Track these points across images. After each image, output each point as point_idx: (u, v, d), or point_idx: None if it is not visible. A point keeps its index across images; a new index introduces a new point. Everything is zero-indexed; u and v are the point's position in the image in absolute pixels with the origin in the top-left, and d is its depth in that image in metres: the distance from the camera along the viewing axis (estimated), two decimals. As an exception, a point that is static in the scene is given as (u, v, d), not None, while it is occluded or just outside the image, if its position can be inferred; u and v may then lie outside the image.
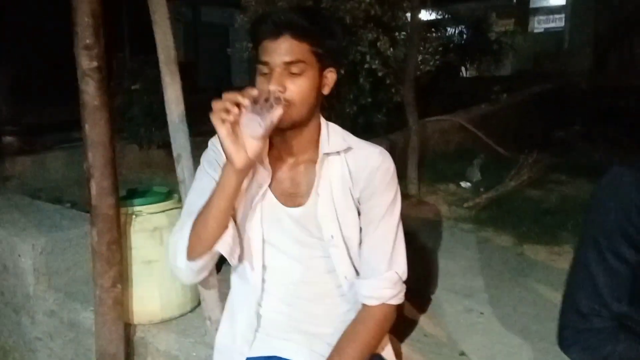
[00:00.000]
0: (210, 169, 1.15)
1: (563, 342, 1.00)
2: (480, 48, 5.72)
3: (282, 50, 1.03)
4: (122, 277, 1.51)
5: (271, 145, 1.13)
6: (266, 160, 1.12)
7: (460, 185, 3.42)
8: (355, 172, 1.13)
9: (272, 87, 1.03)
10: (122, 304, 1.52)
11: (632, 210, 0.91)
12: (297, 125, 1.09)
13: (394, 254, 1.14)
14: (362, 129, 3.90)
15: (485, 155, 3.90)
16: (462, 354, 1.53)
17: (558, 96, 6.20)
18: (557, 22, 9.94)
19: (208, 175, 1.15)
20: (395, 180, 1.16)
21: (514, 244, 2.40)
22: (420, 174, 3.32)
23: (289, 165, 1.16)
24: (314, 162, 1.13)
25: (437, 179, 3.47)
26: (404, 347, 1.52)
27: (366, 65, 3.71)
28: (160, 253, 1.59)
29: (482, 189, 3.25)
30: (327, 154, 1.12)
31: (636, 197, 0.90)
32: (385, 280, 1.13)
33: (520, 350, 1.54)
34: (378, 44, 3.63)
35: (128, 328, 1.61)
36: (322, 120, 1.16)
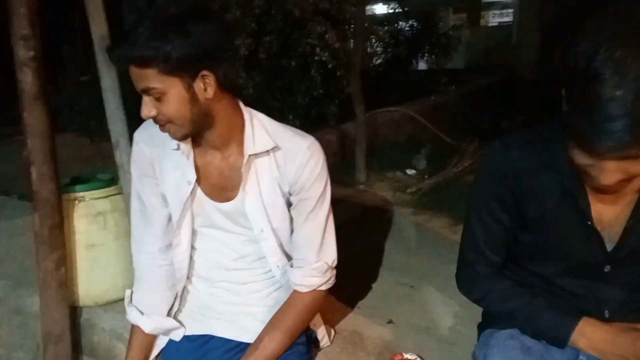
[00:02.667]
0: (137, 173, 1.20)
1: (459, 287, 1.20)
2: (430, 41, 5.91)
3: (135, 79, 1.02)
4: (66, 261, 1.56)
5: (197, 141, 1.14)
6: (191, 157, 1.14)
7: (406, 172, 3.58)
8: (283, 167, 1.14)
9: (142, 115, 1.05)
10: (66, 286, 1.57)
11: (501, 178, 1.07)
12: (197, 133, 1.10)
13: (324, 244, 1.21)
14: (315, 119, 4.01)
15: (433, 144, 4.09)
16: (390, 321, 1.67)
17: (505, 88, 6.47)
18: (510, 16, 10.31)
19: (138, 182, 1.21)
20: (325, 173, 1.18)
21: (449, 225, 2.57)
22: (370, 162, 3.46)
23: (217, 159, 1.16)
24: (242, 156, 1.14)
25: (385, 167, 3.62)
26: (338, 318, 1.64)
27: (316, 58, 3.80)
28: (104, 237, 1.65)
29: (426, 176, 3.42)
30: (252, 155, 1.13)
31: (507, 168, 1.06)
32: (314, 270, 1.20)
33: (444, 316, 1.68)
34: (326, 36, 3.73)
35: (74, 310, 1.66)
36: (247, 116, 1.14)
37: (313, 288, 1.22)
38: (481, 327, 1.25)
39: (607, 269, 1.05)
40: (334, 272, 1.25)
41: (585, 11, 0.88)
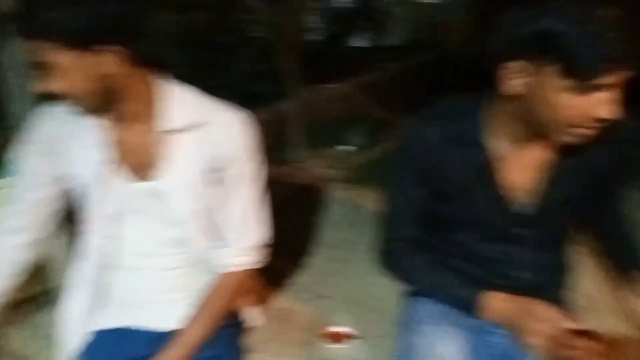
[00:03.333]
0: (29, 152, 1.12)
1: (380, 262, 1.21)
2: (367, 17, 5.92)
3: (33, 53, 0.95)
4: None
5: (113, 118, 1.06)
6: (106, 136, 1.07)
7: (343, 149, 3.60)
8: (213, 142, 1.09)
9: (39, 89, 0.98)
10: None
11: (416, 155, 1.08)
12: (109, 109, 1.03)
13: (254, 223, 1.17)
14: (250, 98, 3.92)
15: (370, 120, 4.13)
16: (321, 296, 1.68)
17: (442, 64, 6.60)
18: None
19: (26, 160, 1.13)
20: (256, 150, 1.14)
21: (380, 199, 2.60)
22: (307, 140, 3.45)
23: (134, 136, 1.09)
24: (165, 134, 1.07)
25: (322, 144, 3.62)
26: (270, 297, 1.63)
27: (249, 34, 3.71)
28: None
29: (363, 151, 3.46)
30: (170, 131, 1.06)
31: (424, 143, 1.06)
32: (244, 249, 1.17)
33: (376, 288, 1.70)
34: (259, 12, 3.64)
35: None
36: (166, 92, 1.07)
37: (242, 268, 1.19)
38: (407, 293, 1.28)
39: (519, 231, 1.09)
40: (263, 251, 1.23)
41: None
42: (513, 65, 0.90)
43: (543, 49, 0.85)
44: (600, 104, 0.86)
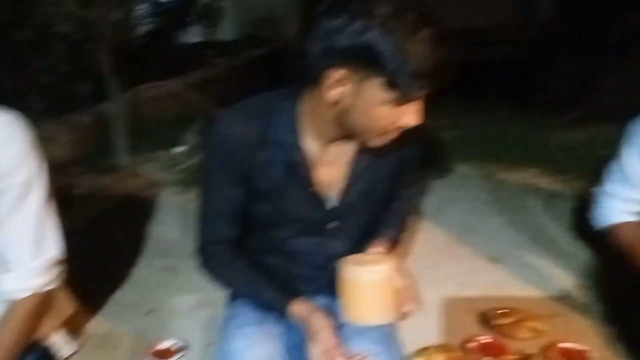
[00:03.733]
0: None
1: (198, 265, 1.18)
2: (194, 11, 5.75)
3: None
4: None
5: None
6: None
7: (176, 150, 3.46)
8: None
9: None
10: None
11: (227, 155, 1.06)
12: None
13: (42, 238, 1.08)
14: (65, 101, 3.55)
15: (205, 118, 4.02)
16: (151, 311, 1.59)
17: (275, 59, 6.70)
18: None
19: None
20: (32, 153, 1.04)
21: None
22: (134, 144, 3.24)
23: None
24: None
25: (152, 147, 3.44)
26: (88, 319, 1.49)
27: (56, 29, 3.34)
28: None
29: (198, 152, 3.36)
30: None
31: (232, 143, 1.05)
32: (34, 269, 1.06)
33: (208, 296, 1.66)
34: (66, 4, 3.30)
35: None
36: None
37: (34, 291, 1.07)
38: (229, 297, 1.28)
39: (331, 225, 1.15)
40: (60, 268, 1.13)
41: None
42: (335, 74, 0.90)
43: (367, 63, 0.87)
44: (410, 114, 0.92)
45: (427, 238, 1.23)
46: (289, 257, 1.20)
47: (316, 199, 1.11)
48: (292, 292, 1.11)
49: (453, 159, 2.82)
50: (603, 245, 1.61)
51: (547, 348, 1.33)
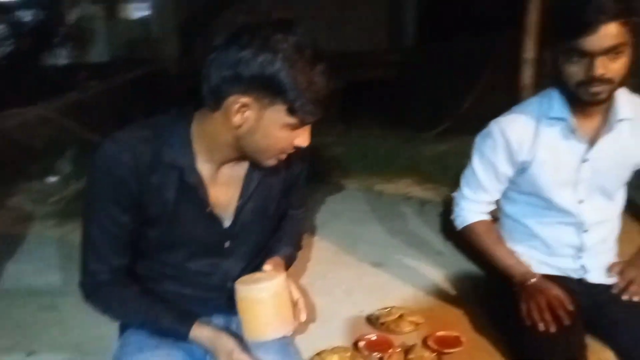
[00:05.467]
0: None
1: (84, 298, 1.15)
2: (60, 33, 5.41)
3: None
4: None
5: None
6: None
7: (47, 181, 3.22)
8: None
9: None
10: None
11: (116, 181, 1.06)
12: None
13: None
14: None
15: (79, 145, 3.77)
16: (32, 352, 1.49)
17: (150, 81, 6.51)
18: (145, 10, 10.29)
19: None
20: None
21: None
22: (0, 174, 2.96)
23: None
24: None
25: (19, 178, 3.16)
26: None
27: None
28: None
29: (72, 181, 3.15)
30: None
31: (122, 169, 1.05)
32: None
33: (88, 331, 1.58)
34: None
35: None
36: None
37: None
38: (120, 326, 1.25)
39: (227, 244, 1.19)
40: None
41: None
42: (240, 100, 0.98)
43: (271, 91, 0.96)
44: (302, 136, 1.05)
45: (317, 248, 1.32)
46: (183, 280, 1.21)
47: (213, 219, 1.15)
48: (190, 315, 1.13)
49: (337, 174, 3.00)
50: (466, 244, 1.84)
51: (426, 338, 1.49)
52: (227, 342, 1.07)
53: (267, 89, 0.96)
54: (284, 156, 1.08)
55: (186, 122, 1.09)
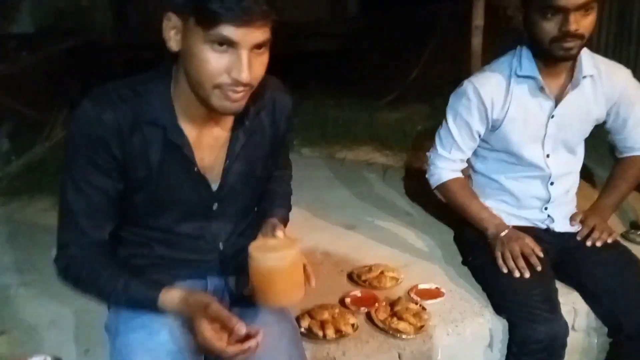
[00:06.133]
0: None
1: (57, 274, 1.08)
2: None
3: None
4: None
5: None
6: None
7: (-15, 157, 2.99)
8: None
9: None
10: None
11: (97, 142, 0.99)
12: None
13: None
14: None
15: (12, 120, 3.52)
16: (2, 332, 1.41)
17: (85, 52, 6.13)
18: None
19: None
20: None
21: (52, 206, 2.31)
22: None
23: None
24: None
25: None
26: None
27: None
28: None
29: (13, 158, 2.95)
30: None
31: (102, 129, 0.99)
32: None
33: (62, 307, 1.51)
34: None
35: None
36: None
37: None
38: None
39: (215, 207, 1.16)
40: None
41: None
42: (168, 20, 0.93)
43: (183, 4, 0.90)
44: (235, 67, 0.92)
45: (291, 214, 1.32)
46: (173, 244, 1.17)
47: (200, 180, 1.11)
48: (160, 283, 1.05)
49: (296, 143, 2.99)
50: (437, 202, 1.91)
51: (409, 291, 1.55)
52: (202, 297, 0.99)
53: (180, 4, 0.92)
54: (233, 95, 0.96)
55: (166, 79, 1.04)
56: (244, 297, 1.12)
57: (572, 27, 1.32)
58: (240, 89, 0.96)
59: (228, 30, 0.89)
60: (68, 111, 3.44)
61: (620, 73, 1.55)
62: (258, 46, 0.94)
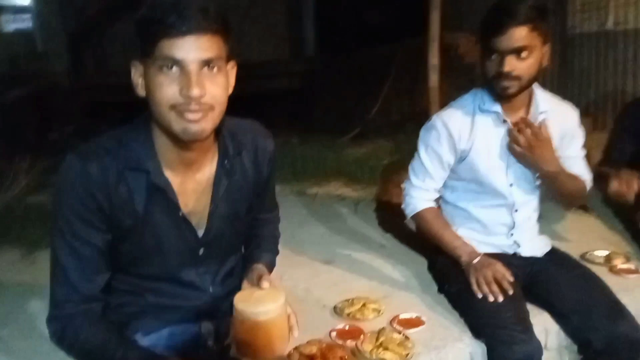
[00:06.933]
0: None
1: (50, 336, 1.07)
2: None
3: None
4: None
5: None
6: None
7: (-56, 209, 2.89)
8: None
9: None
10: None
11: (84, 195, 1.02)
12: None
13: None
14: None
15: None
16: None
17: (42, 98, 6.05)
18: (26, 22, 9.50)
19: None
20: None
21: (22, 257, 2.27)
22: None
23: None
24: None
25: None
26: None
27: None
28: None
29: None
30: None
31: (89, 184, 1.02)
32: None
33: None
34: None
35: None
36: None
37: None
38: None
39: (201, 251, 1.18)
40: None
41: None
42: (133, 67, 1.00)
43: (139, 41, 0.96)
44: (185, 85, 0.94)
45: None
46: (162, 292, 1.18)
47: (185, 225, 1.13)
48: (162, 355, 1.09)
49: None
50: (413, 232, 1.99)
51: (391, 321, 1.60)
52: None
53: (138, 40, 0.97)
54: (190, 115, 0.97)
55: (146, 127, 1.08)
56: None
57: (506, 68, 1.49)
58: (194, 107, 0.96)
59: (169, 46, 0.93)
60: (30, 159, 3.38)
61: (571, 111, 1.71)
62: (206, 63, 0.96)
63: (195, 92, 0.94)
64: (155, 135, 1.07)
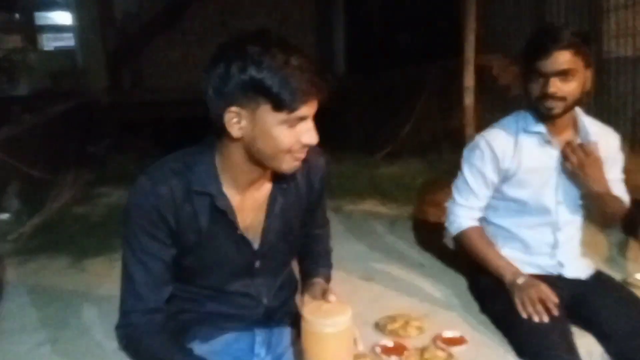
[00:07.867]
0: None
1: (118, 342, 1.14)
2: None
3: None
4: None
5: None
6: None
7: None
8: None
9: None
10: None
11: (153, 213, 1.10)
12: None
13: None
14: None
15: (21, 181, 3.58)
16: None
17: (82, 113, 6.28)
18: (68, 40, 9.92)
19: None
20: None
21: (73, 262, 2.36)
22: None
23: None
24: None
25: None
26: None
27: None
28: None
29: (25, 217, 3.00)
30: None
31: (158, 204, 1.10)
32: None
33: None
34: None
35: None
36: None
37: None
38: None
39: (257, 264, 1.25)
40: None
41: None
42: (231, 112, 1.04)
43: (253, 94, 1.02)
44: (306, 132, 1.07)
45: None
46: (221, 300, 1.24)
47: (243, 242, 1.20)
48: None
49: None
50: (456, 250, 2.00)
51: (435, 339, 1.62)
52: None
53: (248, 92, 1.02)
54: (300, 156, 1.11)
55: (211, 152, 1.16)
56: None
57: (550, 90, 1.53)
58: (306, 149, 1.11)
59: (304, 111, 1.05)
60: (75, 172, 3.53)
61: (613, 136, 1.74)
62: None
63: (316, 140, 1.10)
64: (222, 161, 1.15)
